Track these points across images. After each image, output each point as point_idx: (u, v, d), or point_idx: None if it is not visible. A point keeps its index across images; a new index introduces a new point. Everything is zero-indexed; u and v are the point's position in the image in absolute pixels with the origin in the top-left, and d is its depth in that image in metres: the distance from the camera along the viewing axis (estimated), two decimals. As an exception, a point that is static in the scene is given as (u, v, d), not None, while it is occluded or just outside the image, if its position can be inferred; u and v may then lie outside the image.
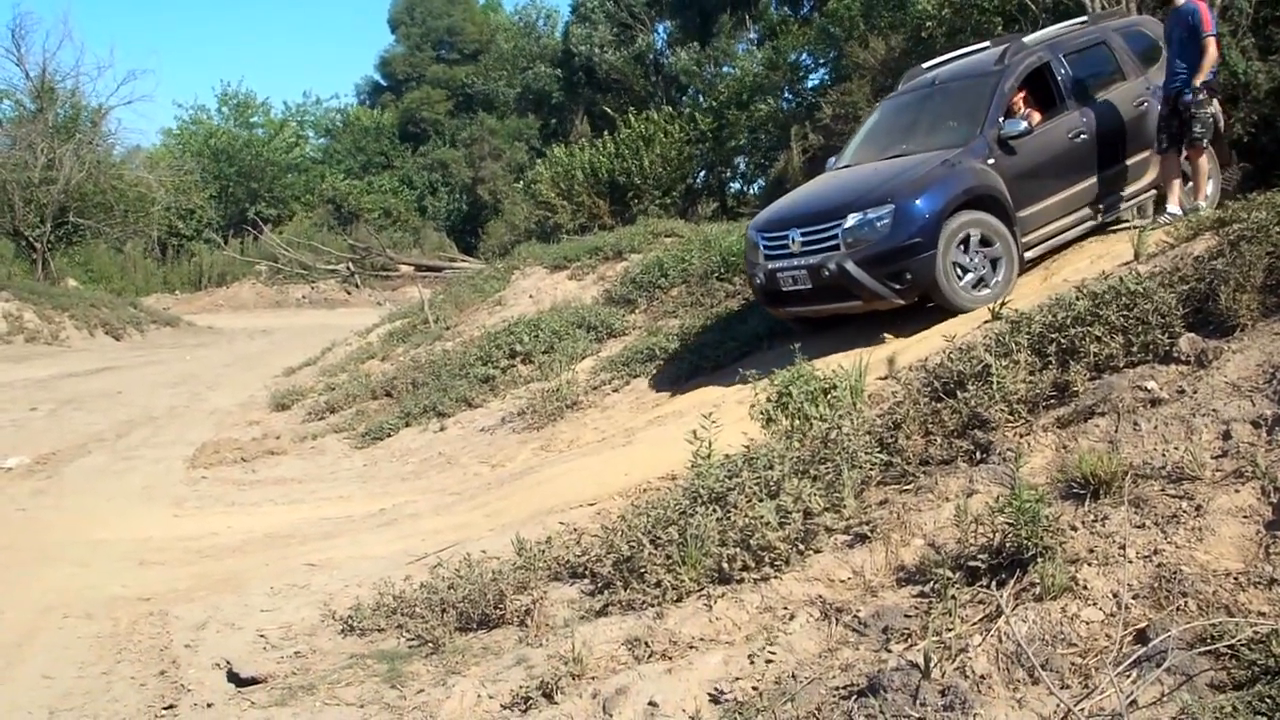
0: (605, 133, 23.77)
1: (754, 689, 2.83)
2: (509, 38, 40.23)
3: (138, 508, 7.13)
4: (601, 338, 9.84)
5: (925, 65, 8.42)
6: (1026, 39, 7.76)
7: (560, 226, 21.21)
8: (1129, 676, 2.40)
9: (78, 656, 4.26)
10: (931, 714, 2.47)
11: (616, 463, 6.10)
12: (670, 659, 3.11)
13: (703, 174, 25.09)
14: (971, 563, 3.00)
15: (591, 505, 5.22)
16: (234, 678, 3.84)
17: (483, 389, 9.17)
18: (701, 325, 8.93)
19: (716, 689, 2.89)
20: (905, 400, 4.14)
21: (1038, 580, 2.79)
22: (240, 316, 25.63)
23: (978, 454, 3.62)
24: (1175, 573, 2.68)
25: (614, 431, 7.19)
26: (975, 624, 2.78)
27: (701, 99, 25.94)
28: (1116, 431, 3.34)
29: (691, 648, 3.15)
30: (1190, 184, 7.36)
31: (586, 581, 3.90)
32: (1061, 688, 2.47)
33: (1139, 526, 2.91)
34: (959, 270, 6.62)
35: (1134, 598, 2.67)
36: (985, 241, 6.69)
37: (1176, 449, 3.13)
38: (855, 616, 3.04)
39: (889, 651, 2.80)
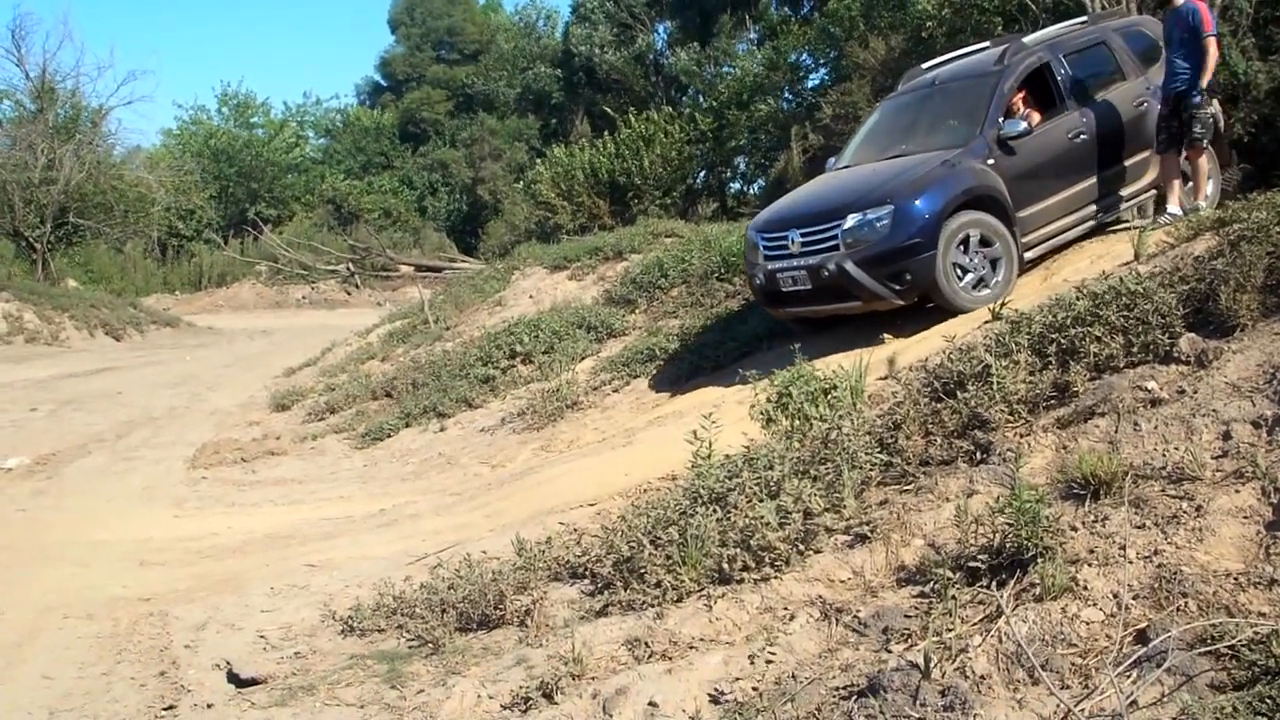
0: (605, 133, 23.79)
1: (754, 689, 2.83)
2: (509, 38, 40.26)
3: (138, 508, 7.14)
4: (601, 338, 9.84)
5: (925, 65, 8.42)
6: (1026, 39, 7.76)
7: (560, 227, 21.23)
8: (1129, 677, 2.40)
9: (78, 657, 4.26)
10: (931, 714, 2.47)
11: (617, 463, 6.10)
12: (670, 659, 3.11)
13: (703, 174, 25.11)
14: (972, 563, 3.00)
15: (592, 505, 5.22)
16: (234, 678, 3.84)
17: (483, 389, 9.17)
18: (701, 325, 8.93)
19: (716, 689, 2.89)
20: (905, 401, 4.14)
21: (1038, 580, 2.79)
22: (240, 317, 25.64)
23: (978, 454, 3.62)
24: (1175, 573, 2.68)
25: (614, 432, 7.19)
26: (975, 624, 2.78)
27: (702, 99, 25.96)
28: (1117, 432, 3.34)
29: (691, 648, 3.15)
30: (1190, 184, 7.36)
31: (586, 582, 3.90)
32: (1061, 688, 2.47)
33: (1139, 527, 2.91)
34: (959, 271, 6.62)
35: (1134, 598, 2.67)
36: (985, 242, 6.69)
37: (1177, 449, 3.13)
38: (855, 617, 3.04)
39: (889, 652, 2.80)
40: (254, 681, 3.76)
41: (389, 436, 8.81)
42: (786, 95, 22.02)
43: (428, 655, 3.66)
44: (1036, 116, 7.27)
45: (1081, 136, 7.17)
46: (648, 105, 25.47)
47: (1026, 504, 2.91)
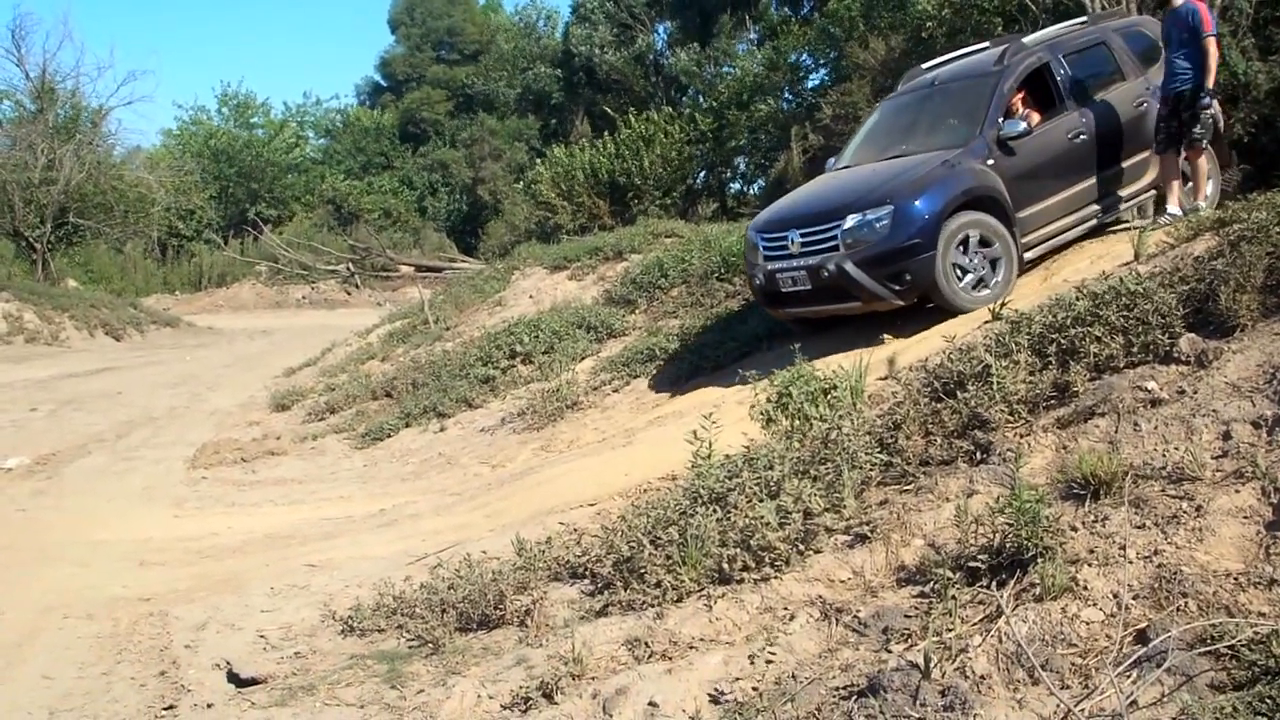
0: (605, 133, 23.80)
1: (754, 689, 2.83)
2: (509, 38, 40.26)
3: (138, 508, 7.14)
4: (601, 338, 9.84)
5: (925, 66, 8.42)
6: (1026, 39, 7.76)
7: (560, 227, 21.23)
8: (1129, 677, 2.40)
9: (78, 657, 4.26)
10: (931, 714, 2.47)
11: (617, 463, 6.10)
12: (670, 659, 3.11)
13: (703, 174, 25.11)
14: (972, 563, 3.00)
15: (592, 506, 5.22)
16: (234, 678, 3.84)
17: (483, 389, 9.17)
18: (701, 326, 8.93)
19: (716, 689, 2.89)
20: (905, 401, 4.15)
21: (1038, 581, 2.79)
22: (240, 317, 25.64)
23: (978, 454, 3.62)
24: (1175, 573, 2.68)
25: (614, 432, 7.19)
26: (975, 624, 2.78)
27: (701, 99, 25.96)
28: (1116, 432, 3.34)
29: (692, 648, 3.15)
30: (1190, 184, 7.36)
31: (586, 582, 3.90)
32: (1061, 688, 2.47)
33: (1139, 527, 2.91)
34: (958, 271, 6.62)
35: (1134, 598, 2.67)
36: (985, 242, 6.69)
37: (1177, 449, 3.13)
38: (855, 617, 3.04)
39: (889, 652, 2.80)
40: (254, 681, 3.76)
41: (389, 436, 8.82)
42: (786, 95, 22.03)
43: (428, 655, 3.66)
44: (1036, 117, 7.27)
45: (1081, 137, 7.17)
46: (648, 105, 25.48)
47: (1026, 504, 2.91)
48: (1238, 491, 2.88)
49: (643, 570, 3.58)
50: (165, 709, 3.66)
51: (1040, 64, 7.34)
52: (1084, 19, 8.52)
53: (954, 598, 2.81)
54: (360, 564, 5.11)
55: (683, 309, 9.74)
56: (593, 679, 3.10)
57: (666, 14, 28.78)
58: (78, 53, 72.10)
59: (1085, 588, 2.74)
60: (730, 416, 5.15)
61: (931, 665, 2.59)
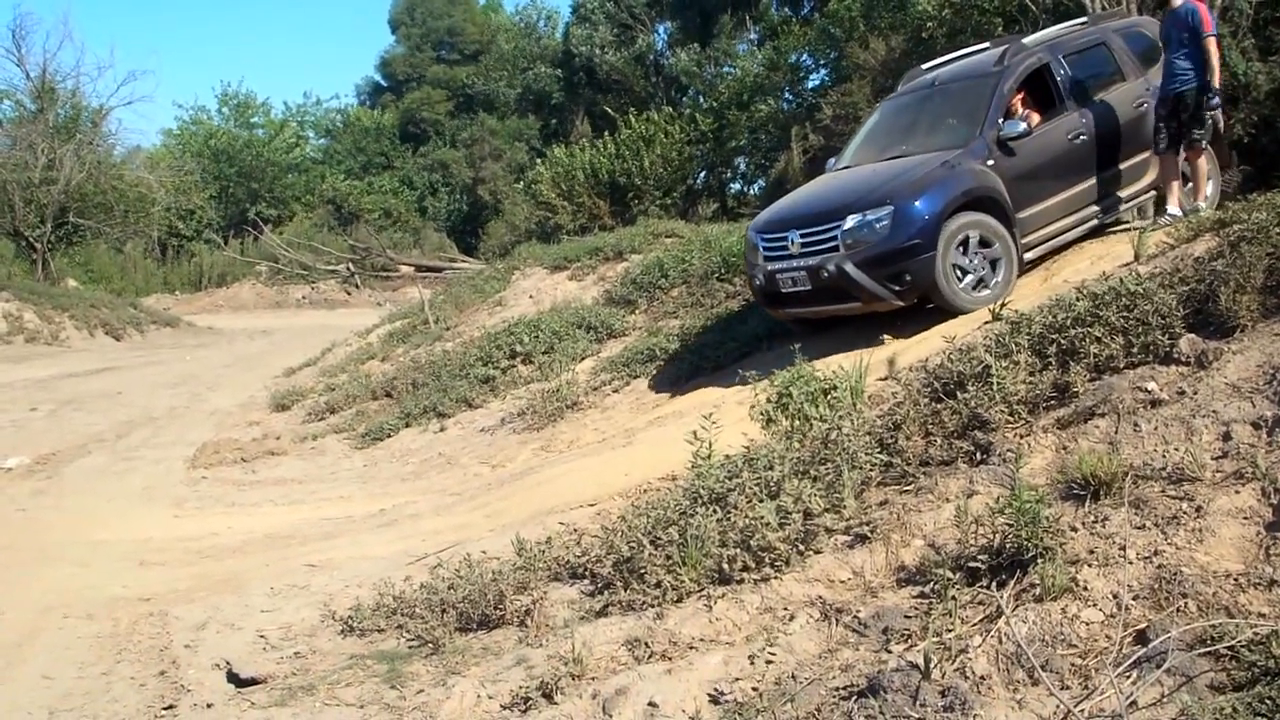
0: (606, 133, 23.80)
1: (754, 689, 2.83)
2: (509, 38, 40.26)
3: (138, 508, 7.14)
4: (602, 338, 9.84)
5: (925, 66, 8.43)
6: (1026, 40, 7.76)
7: (560, 227, 21.23)
8: (1129, 677, 2.40)
9: (78, 657, 4.26)
10: (931, 715, 2.47)
11: (617, 463, 6.10)
12: (670, 659, 3.11)
13: (703, 175, 25.11)
14: (972, 563, 3.01)
15: (592, 506, 5.22)
16: (234, 678, 3.84)
17: (483, 389, 9.17)
18: (702, 326, 8.93)
19: (716, 689, 2.89)
20: (905, 401, 4.15)
21: (1038, 581, 2.79)
22: (240, 317, 25.63)
23: (978, 455, 3.62)
24: (1175, 574, 2.68)
25: (614, 432, 7.19)
26: (975, 625, 2.78)
27: (702, 100, 25.96)
28: (1117, 432, 3.34)
29: (691, 648, 3.15)
30: (1190, 185, 7.36)
31: (586, 582, 3.90)
32: (1061, 688, 2.47)
33: (1139, 527, 2.91)
34: (958, 271, 6.62)
35: (1134, 599, 2.67)
36: (984, 243, 6.69)
37: (1177, 450, 3.13)
38: (855, 617, 3.04)
39: (889, 652, 2.81)
40: (254, 681, 3.76)
41: (389, 436, 8.82)
42: (787, 96, 22.03)
43: (428, 655, 3.66)
44: (1036, 117, 7.27)
45: (1081, 137, 7.17)
46: (648, 106, 25.47)
47: (1026, 504, 2.91)
48: (1238, 492, 2.88)
49: (643, 570, 3.58)
50: (165, 709, 3.66)
51: (1040, 64, 7.35)
52: (1084, 19, 8.52)
53: (954, 598, 2.81)
54: (360, 564, 5.11)
55: (683, 309, 9.75)
56: (593, 679, 3.10)
57: (667, 14, 28.78)
58: (78, 52, 72.25)
59: (1085, 588, 2.74)
60: (730, 417, 5.15)
61: (931, 666, 2.59)
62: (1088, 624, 2.65)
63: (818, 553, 3.40)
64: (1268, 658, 2.29)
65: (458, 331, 12.02)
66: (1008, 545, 2.96)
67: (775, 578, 3.33)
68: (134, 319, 21.17)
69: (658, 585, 3.47)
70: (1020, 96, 7.32)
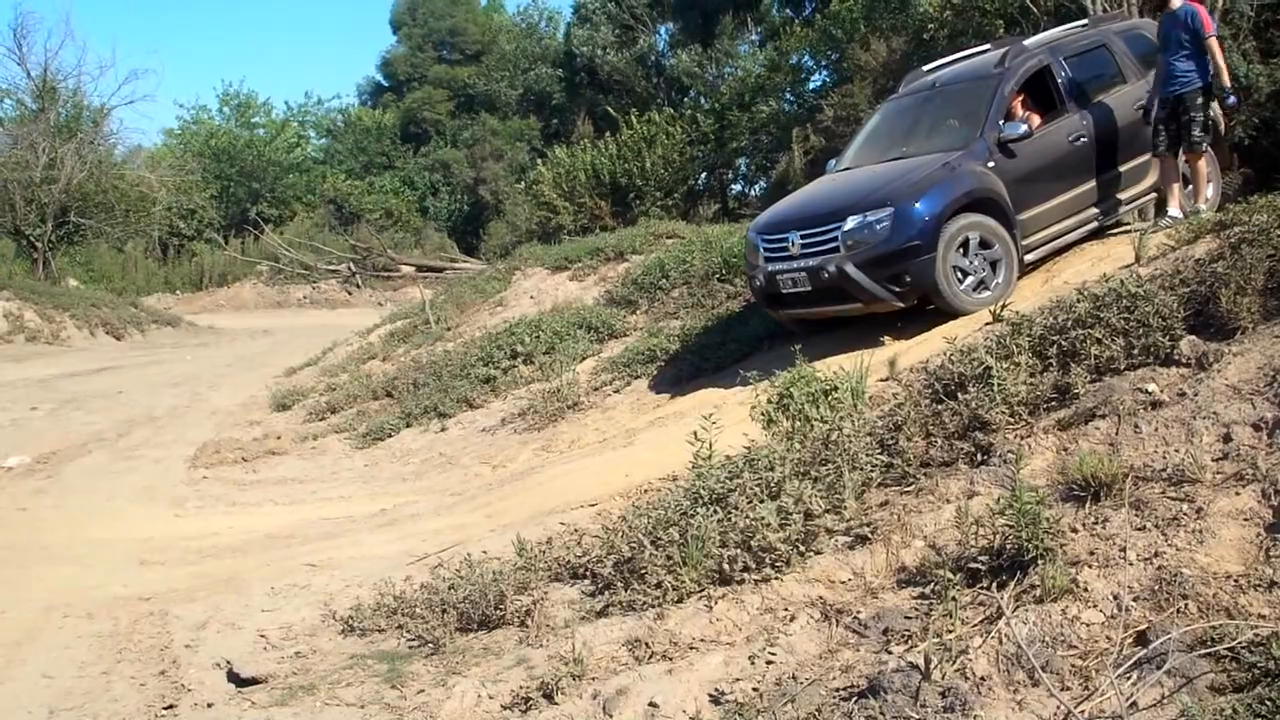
0: (607, 134, 23.78)
1: (754, 690, 2.83)
2: (511, 39, 40.26)
3: (138, 507, 7.14)
4: (602, 339, 9.85)
5: (926, 68, 8.43)
6: (1027, 41, 7.77)
7: (562, 227, 21.21)
8: (1129, 679, 2.41)
9: (78, 656, 4.26)
10: (932, 715, 2.47)
11: (617, 463, 6.11)
12: (671, 660, 3.11)
13: (704, 175, 25.10)
14: (972, 564, 3.01)
15: (592, 506, 5.22)
16: (234, 678, 3.84)
17: (484, 389, 9.17)
18: (702, 326, 8.93)
19: (717, 690, 2.89)
20: (906, 402, 4.15)
21: (1038, 582, 2.79)
22: (241, 316, 25.62)
23: (978, 456, 3.63)
24: (1176, 575, 2.68)
25: (615, 432, 7.19)
26: (976, 626, 2.79)
27: (703, 100, 25.95)
28: (1117, 434, 3.35)
29: (692, 648, 3.16)
30: (1190, 187, 7.36)
31: (587, 582, 3.90)
32: (1062, 689, 2.47)
33: (1139, 529, 2.91)
34: (959, 273, 6.62)
35: (1134, 600, 2.67)
36: (985, 244, 6.69)
37: (1177, 451, 3.13)
38: (856, 618, 3.04)
39: (889, 653, 2.81)
40: (254, 681, 3.77)
41: (390, 436, 8.82)
42: (788, 97, 22.03)
43: (428, 655, 3.66)
44: (1037, 119, 7.27)
45: (1082, 139, 7.17)
46: (649, 106, 25.45)
47: (1027, 506, 2.91)
48: (1238, 494, 2.88)
49: (643, 571, 3.58)
50: (165, 708, 3.67)
51: (1041, 66, 7.35)
52: (1085, 21, 8.52)
53: (954, 599, 2.81)
54: (361, 564, 5.11)
55: (684, 310, 9.75)
56: (593, 679, 3.10)
57: (668, 15, 28.77)
58: (79, 52, 72.44)
59: (1085, 589, 2.74)
60: (731, 417, 5.15)
61: (932, 666, 2.59)
62: (1088, 625, 2.65)
63: (818, 553, 3.41)
64: (1268, 659, 2.30)
65: (459, 331, 12.02)
66: (1008, 546, 2.96)
67: (776, 578, 3.33)
68: (135, 318, 21.15)
69: (658, 585, 3.48)
70: (1021, 98, 7.32)
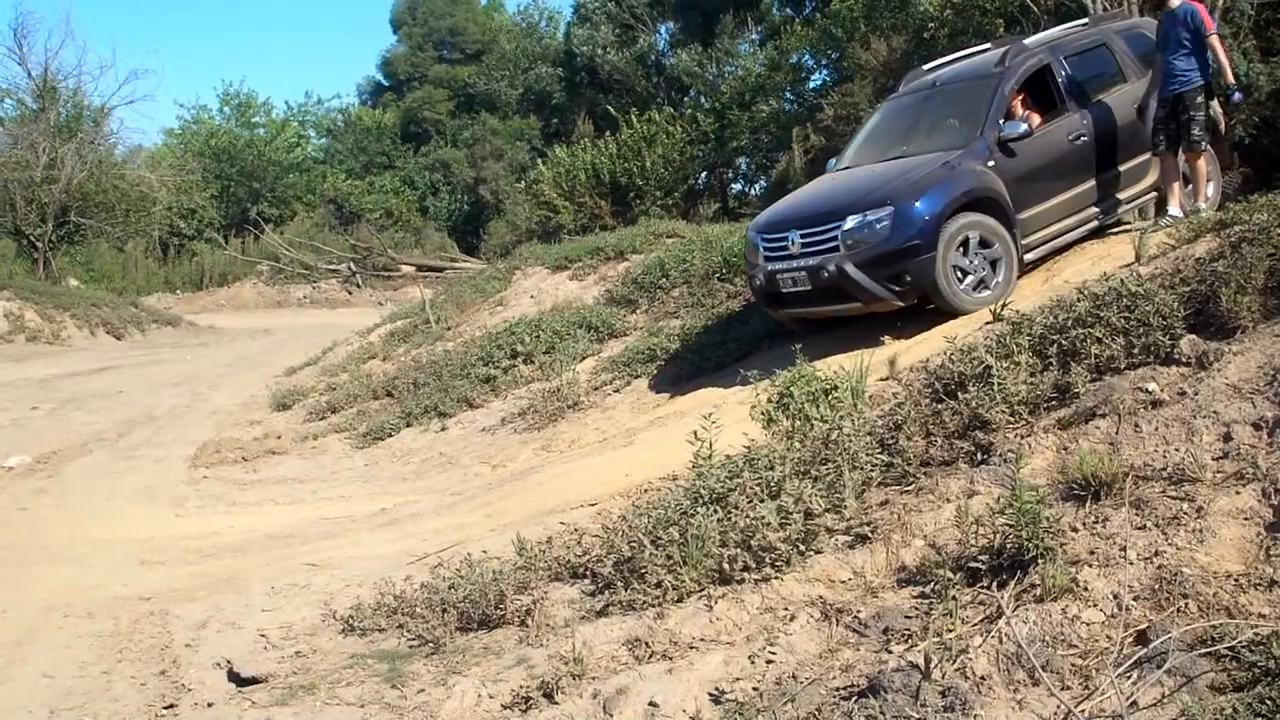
0: (607, 133, 23.77)
1: (754, 689, 2.83)
2: (511, 38, 40.25)
3: (139, 507, 7.14)
4: (603, 338, 9.85)
5: (926, 67, 8.42)
6: (1027, 41, 7.77)
7: (562, 227, 21.20)
8: (1129, 678, 2.41)
9: (78, 656, 4.27)
10: (932, 715, 2.47)
11: (617, 463, 6.11)
12: (671, 659, 3.11)
13: (704, 175, 25.09)
14: (972, 564, 3.01)
15: (592, 505, 5.22)
16: (235, 677, 3.84)
17: (484, 389, 9.17)
18: (703, 326, 8.93)
19: (717, 689, 2.89)
20: (906, 401, 4.15)
21: (1038, 581, 2.79)
22: (242, 316, 25.62)
23: (979, 455, 3.63)
24: (1176, 574, 2.68)
25: (615, 432, 7.19)
26: (976, 625, 2.79)
27: (703, 100, 25.93)
28: (1117, 433, 3.35)
29: (692, 648, 3.16)
30: (1190, 186, 7.36)
31: (587, 582, 3.90)
32: (1062, 689, 2.47)
33: (1140, 528, 2.91)
34: (959, 272, 6.62)
35: (1135, 599, 2.67)
36: (985, 243, 6.69)
37: (1177, 451, 3.13)
38: (856, 617, 3.04)
39: (889, 652, 2.81)
40: (255, 680, 3.77)
41: (390, 436, 8.82)
42: (788, 96, 22.02)
43: (428, 655, 3.66)
44: (1037, 118, 7.27)
45: (1082, 138, 7.17)
46: (649, 106, 25.44)
47: (1027, 505, 2.91)
48: (1238, 493, 2.88)
49: (643, 570, 3.58)
50: (166, 708, 3.67)
51: (1041, 65, 7.35)
52: (1085, 20, 8.52)
53: (954, 598, 2.81)
54: (361, 563, 5.11)
55: (684, 309, 9.75)
56: (593, 679, 3.10)
57: (668, 14, 28.76)
58: (80, 51, 72.39)
59: (1086, 589, 2.74)
60: (731, 417, 5.15)
61: (932, 666, 2.59)
62: (1088, 624, 2.65)
63: (818, 553, 3.40)
64: (1268, 658, 2.30)
65: (459, 331, 12.02)
66: (1008, 545, 2.96)
67: (776, 578, 3.33)
68: (135, 318, 21.15)
69: (658, 585, 3.48)
70: (1021, 97, 7.32)
